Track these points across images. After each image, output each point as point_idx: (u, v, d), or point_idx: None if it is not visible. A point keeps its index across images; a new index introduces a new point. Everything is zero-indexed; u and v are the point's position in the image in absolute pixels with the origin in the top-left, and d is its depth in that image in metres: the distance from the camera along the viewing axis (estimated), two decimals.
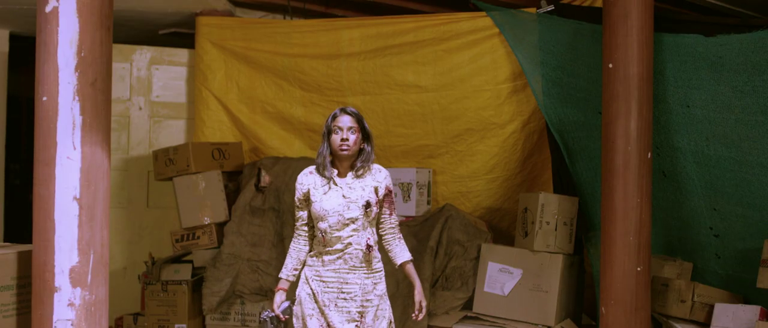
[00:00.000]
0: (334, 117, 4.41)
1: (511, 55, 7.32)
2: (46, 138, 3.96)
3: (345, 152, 4.34)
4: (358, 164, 4.42)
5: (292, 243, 4.50)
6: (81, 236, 3.93)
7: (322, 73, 7.86)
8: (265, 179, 7.35)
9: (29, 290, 4.08)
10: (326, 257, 4.34)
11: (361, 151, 4.43)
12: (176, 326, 7.03)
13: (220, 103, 8.09)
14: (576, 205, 6.87)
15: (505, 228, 7.78)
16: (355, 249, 4.34)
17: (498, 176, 7.60)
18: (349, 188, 4.36)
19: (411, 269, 4.59)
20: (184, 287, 7.03)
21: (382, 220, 4.51)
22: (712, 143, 5.75)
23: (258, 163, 7.53)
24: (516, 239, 7.02)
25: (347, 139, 4.33)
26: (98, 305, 4.00)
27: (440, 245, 7.09)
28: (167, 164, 7.46)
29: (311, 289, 4.37)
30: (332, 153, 4.41)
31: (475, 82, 7.50)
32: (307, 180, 4.42)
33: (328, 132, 4.40)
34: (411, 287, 6.93)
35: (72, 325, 3.90)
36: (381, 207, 4.47)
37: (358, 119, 4.42)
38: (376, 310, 4.43)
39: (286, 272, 4.48)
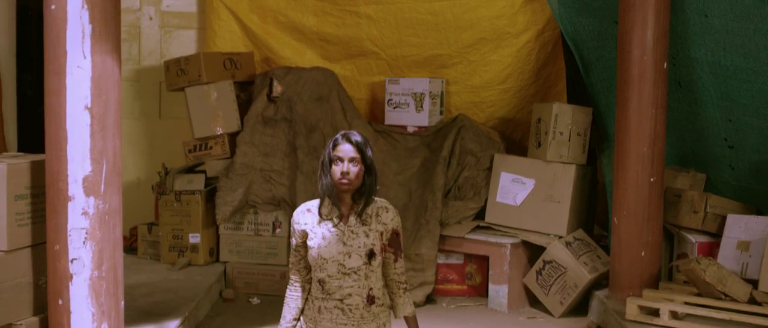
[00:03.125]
0: (335, 145, 3.79)
1: None
2: (55, 47, 3.93)
3: (345, 188, 3.75)
4: (360, 202, 3.83)
5: (287, 292, 3.93)
6: (93, 145, 3.93)
7: None
8: (278, 88, 7.31)
9: (43, 199, 4.10)
10: (323, 305, 3.79)
11: (362, 184, 3.83)
12: (190, 235, 7.09)
13: (231, 12, 8.00)
14: (590, 115, 6.83)
15: (518, 139, 7.75)
16: (356, 299, 3.79)
17: (511, 86, 7.55)
18: (351, 232, 3.78)
19: (413, 323, 4.03)
20: (198, 197, 7.07)
21: (385, 264, 3.90)
22: (730, 53, 5.67)
23: (270, 73, 7.49)
24: (529, 149, 7.00)
25: (348, 173, 3.73)
26: (112, 214, 4.02)
27: (453, 155, 7.09)
28: (179, 74, 7.43)
29: None
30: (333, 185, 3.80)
31: None
32: (304, 219, 3.84)
33: (329, 161, 3.78)
34: (423, 197, 6.97)
35: (86, 233, 3.93)
36: (385, 251, 3.88)
37: (361, 149, 3.79)
38: None
39: (285, 324, 3.89)
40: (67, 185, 3.91)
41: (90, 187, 3.93)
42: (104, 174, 3.96)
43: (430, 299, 6.76)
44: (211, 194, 7.19)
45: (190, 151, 7.41)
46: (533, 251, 6.70)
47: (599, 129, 7.00)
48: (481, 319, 6.37)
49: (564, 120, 6.66)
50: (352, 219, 3.79)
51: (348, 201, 3.82)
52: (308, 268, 3.85)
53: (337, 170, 3.74)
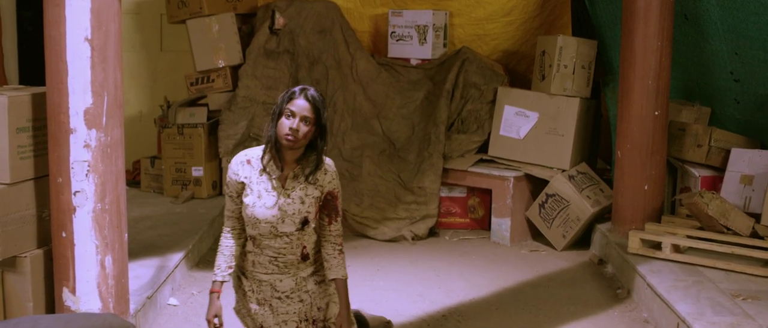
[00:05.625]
0: (290, 98, 3.50)
1: None
2: None
3: (288, 143, 3.49)
4: (306, 164, 3.62)
5: (221, 239, 3.71)
6: (94, 77, 3.90)
7: None
8: (280, 21, 7.24)
9: (45, 132, 4.08)
10: (257, 259, 3.67)
11: (310, 146, 3.61)
12: (193, 168, 7.09)
13: None
14: (594, 48, 6.78)
15: (522, 72, 7.70)
16: (290, 257, 3.66)
17: (516, 18, 7.47)
18: (288, 196, 3.58)
19: (342, 287, 3.69)
20: (200, 131, 7.05)
21: (320, 226, 3.70)
22: None
23: (272, 5, 7.41)
24: (533, 82, 6.96)
25: (297, 130, 3.46)
26: (114, 147, 4.01)
27: (456, 88, 7.05)
28: (180, 6, 7.35)
29: (244, 287, 3.74)
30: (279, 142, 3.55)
31: None
32: (243, 171, 3.63)
33: (279, 113, 3.51)
34: (426, 130, 6.95)
35: (89, 166, 3.92)
36: (319, 214, 3.70)
37: (317, 109, 3.52)
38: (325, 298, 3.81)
39: (221, 273, 3.65)
40: (69, 117, 3.89)
41: (91, 119, 3.91)
42: (105, 106, 3.94)
43: (432, 232, 6.79)
44: (213, 127, 7.18)
45: (192, 84, 7.38)
46: (536, 185, 6.70)
47: (604, 62, 6.95)
48: (483, 252, 6.40)
49: (568, 53, 6.61)
50: (291, 181, 3.59)
51: (291, 160, 3.60)
52: (242, 219, 3.67)
53: (285, 123, 3.48)
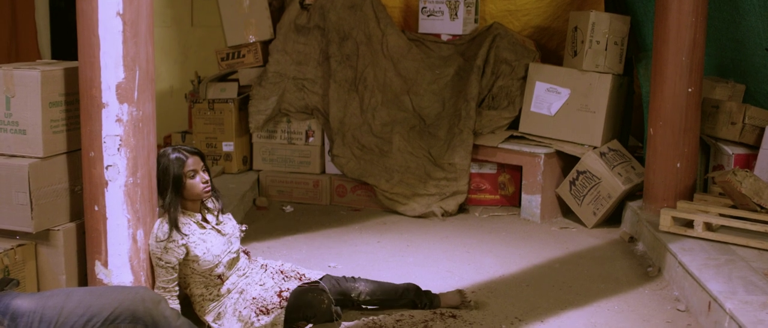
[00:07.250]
0: (182, 163, 4.11)
1: None
2: None
3: (210, 194, 4.23)
4: (215, 198, 4.38)
5: (172, 308, 3.88)
6: (126, 52, 3.91)
7: None
8: None
9: (77, 106, 4.11)
10: (234, 288, 4.26)
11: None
12: (223, 144, 7.12)
13: None
14: (628, 24, 6.70)
15: (553, 48, 7.65)
16: (242, 262, 4.38)
17: None
18: (216, 222, 4.29)
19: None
20: (231, 106, 7.08)
21: None
22: None
23: None
24: (565, 58, 6.91)
25: (208, 180, 4.18)
26: (146, 121, 4.03)
27: (487, 64, 7.01)
28: None
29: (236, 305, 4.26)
30: (186, 199, 4.19)
31: None
32: (177, 236, 4.08)
33: (178, 179, 4.11)
34: (456, 106, 6.93)
35: (120, 140, 3.94)
36: None
37: (202, 156, 4.22)
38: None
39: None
40: (101, 91, 3.91)
41: (123, 94, 3.93)
42: (137, 81, 3.96)
43: (462, 209, 6.79)
44: (244, 102, 7.20)
45: (222, 59, 7.39)
46: (567, 162, 6.67)
47: (637, 38, 6.88)
48: (513, 229, 6.39)
49: (601, 29, 6.54)
50: (209, 216, 4.25)
51: (197, 207, 4.22)
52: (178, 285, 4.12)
53: (197, 182, 4.12)
